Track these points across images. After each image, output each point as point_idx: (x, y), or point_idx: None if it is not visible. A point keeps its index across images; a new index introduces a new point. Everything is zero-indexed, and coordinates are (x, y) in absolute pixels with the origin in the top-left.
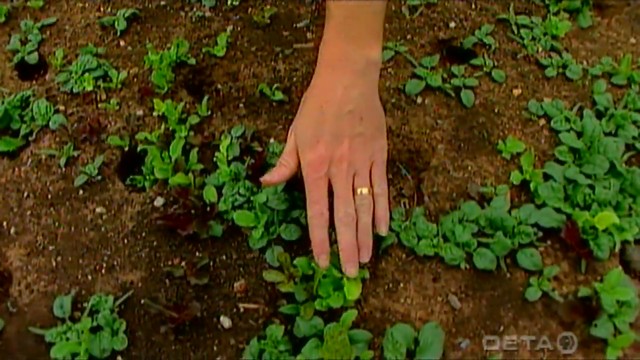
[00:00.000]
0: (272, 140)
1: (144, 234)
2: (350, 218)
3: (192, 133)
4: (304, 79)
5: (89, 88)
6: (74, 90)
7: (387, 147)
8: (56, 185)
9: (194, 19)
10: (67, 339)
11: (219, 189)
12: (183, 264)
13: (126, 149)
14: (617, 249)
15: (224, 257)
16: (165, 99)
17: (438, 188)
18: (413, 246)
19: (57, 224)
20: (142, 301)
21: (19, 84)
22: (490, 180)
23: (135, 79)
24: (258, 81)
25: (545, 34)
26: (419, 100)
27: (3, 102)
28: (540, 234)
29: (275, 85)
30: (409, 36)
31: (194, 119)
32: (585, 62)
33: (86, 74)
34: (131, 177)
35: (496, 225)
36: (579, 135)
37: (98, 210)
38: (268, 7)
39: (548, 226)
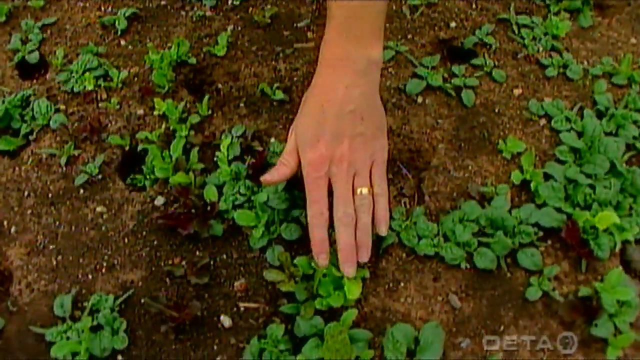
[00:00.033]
0: (272, 139)
1: (144, 233)
2: (350, 218)
3: (192, 132)
4: (305, 79)
5: (90, 87)
6: (75, 90)
7: (387, 146)
8: (57, 185)
9: (194, 19)
10: (68, 338)
11: (220, 188)
12: (183, 263)
13: (127, 148)
14: (617, 249)
15: (225, 256)
16: (165, 98)
17: (438, 188)
18: (413, 246)
19: (57, 223)
20: (143, 300)
21: (20, 83)
22: (491, 179)
23: (135, 79)
24: (259, 80)
25: (545, 34)
26: (420, 99)
27: (4, 102)
28: (541, 233)
29: (276, 85)
30: (409, 36)
31: (194, 119)
32: (585, 62)
33: (87, 73)
34: (132, 176)
35: (497, 224)
36: (580, 135)
37: (98, 209)
38: (269, 6)
39: (548, 226)
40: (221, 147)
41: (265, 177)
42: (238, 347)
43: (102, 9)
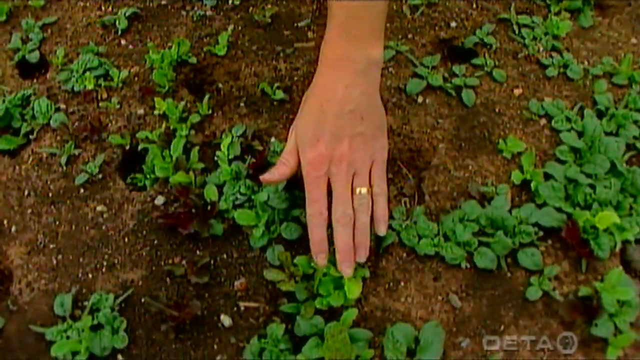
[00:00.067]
0: (273, 139)
1: (144, 233)
2: (348, 218)
3: (193, 132)
4: (305, 78)
5: (90, 87)
6: (75, 89)
7: (387, 146)
8: (57, 184)
9: (195, 18)
10: (68, 337)
11: (220, 187)
12: (184, 262)
13: (127, 147)
14: (617, 249)
15: (225, 255)
16: (166, 98)
17: (439, 187)
18: (414, 245)
19: (57, 222)
20: (143, 300)
21: (20, 83)
22: (491, 179)
23: (136, 78)
24: (259, 80)
25: (546, 34)
26: (420, 99)
27: (4, 101)
28: (541, 233)
29: (276, 85)
30: (410, 35)
31: (194, 118)
32: (586, 62)
33: (87, 73)
34: (132, 175)
35: (497, 224)
36: (580, 135)
37: (99, 208)
38: (269, 6)
39: (549, 226)
40: (221, 146)
41: (265, 177)
42: (238, 346)
43: (103, 8)
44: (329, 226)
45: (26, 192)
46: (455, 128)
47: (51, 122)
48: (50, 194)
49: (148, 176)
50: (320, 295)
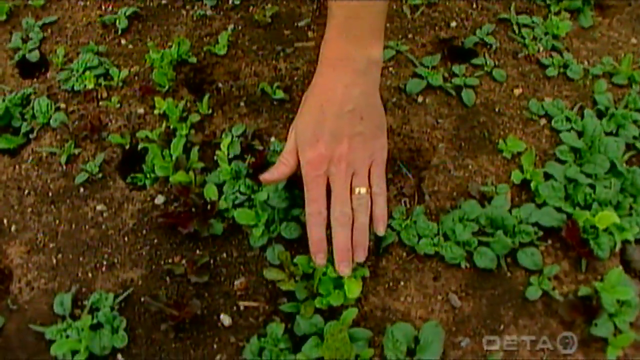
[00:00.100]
0: (272, 138)
1: (144, 232)
2: (347, 217)
3: (193, 131)
4: (305, 78)
5: (90, 86)
6: (75, 88)
7: (387, 146)
8: (57, 183)
9: (195, 18)
10: (67, 337)
11: (220, 187)
12: (183, 261)
13: (127, 147)
14: (617, 249)
15: (225, 255)
16: (166, 97)
17: (439, 187)
18: (413, 245)
19: (57, 221)
20: (143, 299)
21: (20, 82)
22: (491, 179)
23: (136, 77)
24: (259, 80)
25: (546, 34)
26: (420, 99)
27: (4, 100)
28: (541, 233)
29: (276, 84)
30: (410, 35)
31: (194, 118)
32: (586, 62)
33: (87, 72)
34: (132, 175)
35: (497, 224)
36: (580, 134)
37: (99, 208)
38: (269, 5)
39: (548, 225)
40: (221, 146)
41: (265, 176)
42: (238, 345)
43: (103, 7)
44: (329, 226)
45: (26, 192)
46: (455, 128)
47: (51, 121)
48: (50, 193)
49: (148, 175)
50: (320, 294)
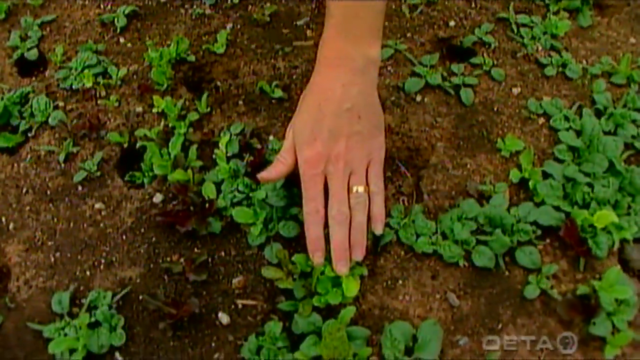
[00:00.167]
0: (271, 137)
1: (142, 230)
2: (344, 216)
3: (191, 130)
4: (304, 77)
5: (89, 85)
6: (74, 87)
7: (385, 145)
8: (55, 181)
9: (194, 16)
10: (65, 335)
11: (218, 185)
12: (182, 260)
13: (125, 145)
14: (615, 248)
15: (223, 253)
16: (164, 96)
17: (437, 186)
18: (412, 243)
19: (56, 219)
20: (141, 297)
21: (19, 81)
22: (489, 178)
23: (134, 76)
24: (258, 78)
25: (545, 33)
26: (419, 98)
27: (2, 98)
28: (539, 232)
29: (275, 83)
30: (408, 34)
31: (193, 116)
32: (584, 62)
33: (86, 71)
34: (130, 173)
35: (495, 223)
36: (578, 134)
37: (97, 206)
38: (268, 4)
39: (547, 224)
40: (220, 144)
41: (263, 175)
42: (236, 344)
43: (102, 6)
44: (326, 225)
45: (24, 190)
46: (454, 127)
47: (50, 119)
48: (48, 192)
49: (146, 174)
50: (318, 293)
